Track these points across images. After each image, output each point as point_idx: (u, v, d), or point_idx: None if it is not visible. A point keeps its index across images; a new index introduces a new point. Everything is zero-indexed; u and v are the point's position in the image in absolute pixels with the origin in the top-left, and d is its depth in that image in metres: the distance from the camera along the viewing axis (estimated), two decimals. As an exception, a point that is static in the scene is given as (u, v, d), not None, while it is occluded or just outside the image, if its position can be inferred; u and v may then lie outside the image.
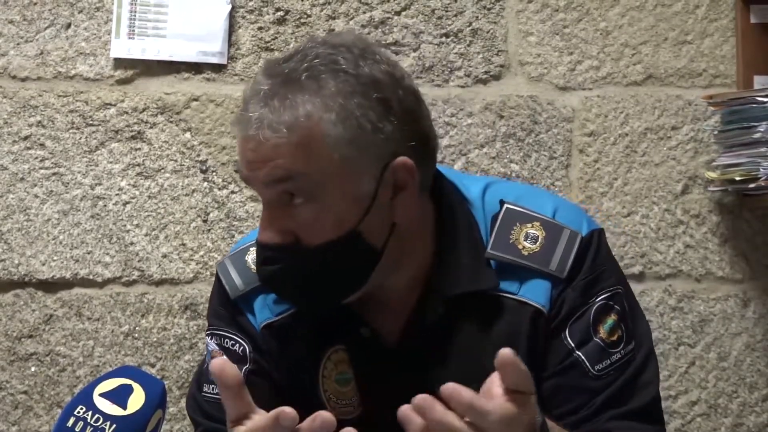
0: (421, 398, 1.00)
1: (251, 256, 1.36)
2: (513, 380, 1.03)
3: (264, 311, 1.35)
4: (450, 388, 0.99)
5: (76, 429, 0.98)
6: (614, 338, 1.29)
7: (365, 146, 1.20)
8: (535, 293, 1.29)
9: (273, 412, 1.01)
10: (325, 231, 1.21)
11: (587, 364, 1.28)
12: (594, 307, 1.29)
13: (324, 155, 1.19)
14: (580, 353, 1.28)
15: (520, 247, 1.30)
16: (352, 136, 1.19)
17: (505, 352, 1.02)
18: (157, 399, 1.03)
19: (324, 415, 1.01)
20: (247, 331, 1.36)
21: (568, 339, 1.29)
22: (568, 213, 1.35)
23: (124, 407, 1.00)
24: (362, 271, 1.25)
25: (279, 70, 1.22)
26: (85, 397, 1.00)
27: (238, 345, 1.35)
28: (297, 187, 1.20)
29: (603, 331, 1.29)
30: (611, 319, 1.30)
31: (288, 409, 1.01)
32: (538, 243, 1.30)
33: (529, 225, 1.31)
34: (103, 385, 1.02)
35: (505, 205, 1.33)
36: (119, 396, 1.01)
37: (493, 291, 1.29)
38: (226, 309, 1.38)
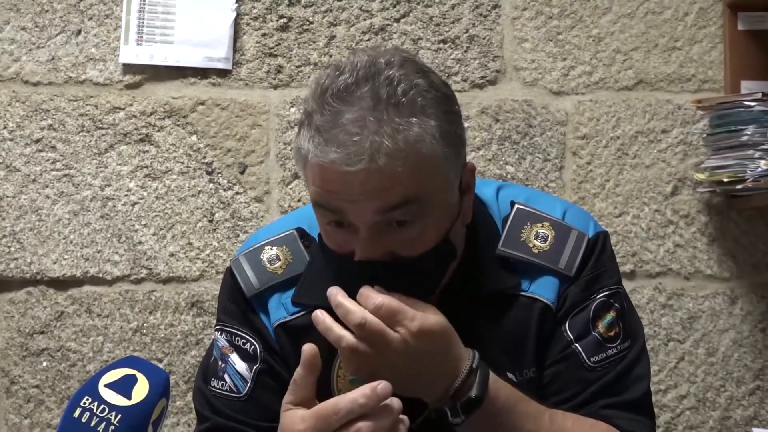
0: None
1: (266, 255, 1.37)
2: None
3: (279, 310, 1.34)
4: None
5: (83, 419, 0.97)
6: (611, 334, 1.32)
7: (455, 158, 1.22)
8: (544, 290, 1.32)
9: (371, 384, 1.06)
10: (426, 245, 1.20)
11: (584, 355, 1.30)
12: (594, 303, 1.32)
13: (433, 175, 1.18)
14: (578, 345, 1.30)
15: (530, 245, 1.32)
16: (449, 151, 1.20)
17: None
18: (160, 388, 1.02)
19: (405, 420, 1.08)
20: (259, 330, 1.35)
21: (568, 331, 1.31)
22: (576, 215, 1.37)
23: (129, 397, 1.00)
24: (444, 271, 1.27)
25: (362, 95, 1.16)
26: (91, 389, 1.00)
27: (249, 344, 1.35)
28: (409, 211, 1.17)
29: (601, 326, 1.31)
30: (610, 315, 1.32)
31: (386, 382, 1.06)
32: (547, 242, 1.33)
33: (539, 225, 1.34)
34: (107, 376, 1.01)
35: (516, 206, 1.35)
36: (123, 386, 1.00)
37: (510, 290, 1.31)
38: (238, 307, 1.37)
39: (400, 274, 1.20)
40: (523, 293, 1.31)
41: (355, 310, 1.14)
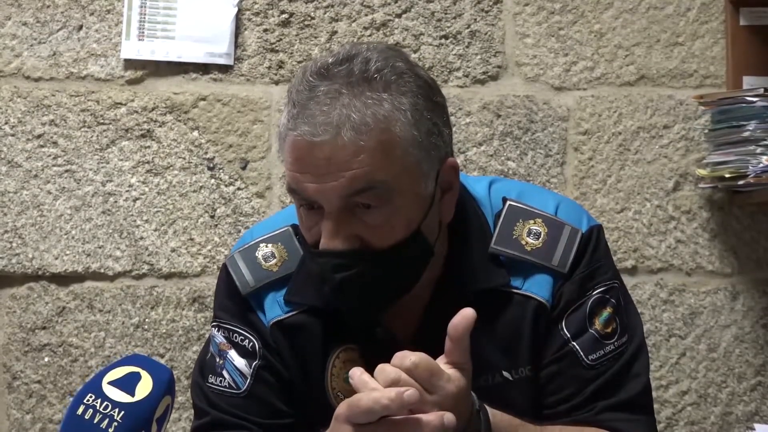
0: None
1: (261, 252, 1.36)
2: (460, 353, 1.09)
3: (274, 308, 1.34)
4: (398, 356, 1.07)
5: (86, 416, 0.97)
6: (608, 330, 1.31)
7: (430, 148, 1.21)
8: (538, 287, 1.30)
9: (401, 388, 1.03)
10: (395, 233, 1.19)
11: (581, 354, 1.30)
12: (590, 300, 1.31)
13: (400, 158, 1.17)
14: (575, 344, 1.30)
15: (523, 242, 1.31)
16: (422, 138, 1.19)
17: (464, 318, 1.08)
18: (164, 386, 1.02)
19: (450, 417, 1.05)
20: (256, 327, 1.34)
21: (565, 330, 1.30)
22: (568, 210, 1.36)
23: (132, 394, 1.00)
24: (420, 269, 1.25)
25: (339, 71, 1.17)
26: (95, 386, 1.00)
27: (247, 341, 1.35)
28: (374, 195, 1.17)
29: (598, 323, 1.31)
30: (606, 312, 1.31)
31: (413, 391, 1.03)
32: (540, 239, 1.31)
33: (532, 221, 1.32)
34: (111, 374, 1.01)
35: (508, 202, 1.34)
36: (127, 383, 1.00)
37: (502, 287, 1.30)
38: (235, 304, 1.36)
39: (370, 267, 1.19)
40: (516, 291, 1.30)
41: (390, 371, 1.07)
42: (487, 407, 1.18)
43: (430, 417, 1.05)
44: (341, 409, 1.08)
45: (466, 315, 1.09)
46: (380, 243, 1.19)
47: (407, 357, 1.07)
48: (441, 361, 1.10)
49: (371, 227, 1.19)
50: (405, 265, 1.23)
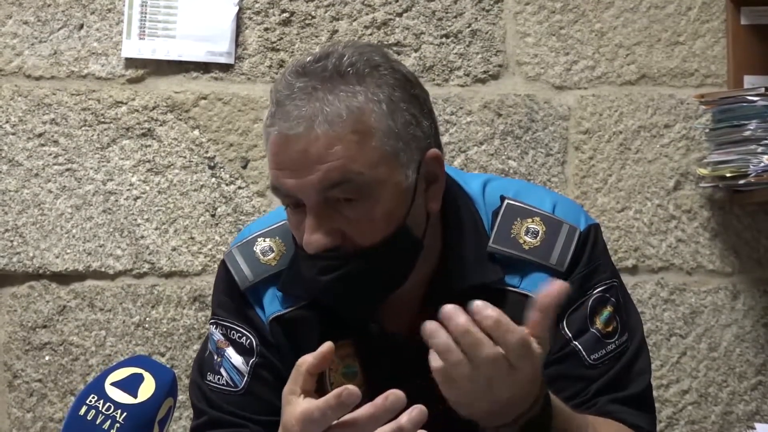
0: (449, 307, 1.00)
1: (259, 247, 1.36)
2: (544, 327, 1.04)
3: (273, 304, 1.34)
4: (480, 304, 1.00)
5: (88, 417, 0.98)
6: (609, 329, 1.31)
7: (409, 139, 1.21)
8: (536, 286, 1.29)
9: (336, 390, 1.00)
10: (377, 228, 1.20)
11: (584, 353, 1.30)
12: (591, 299, 1.31)
13: (376, 148, 1.18)
14: (577, 343, 1.30)
15: (521, 241, 1.31)
16: (399, 129, 1.20)
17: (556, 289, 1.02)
18: (167, 387, 1.03)
19: (396, 393, 1.00)
20: (254, 323, 1.35)
21: (566, 329, 1.30)
22: (566, 208, 1.37)
23: (135, 395, 1.00)
24: (409, 264, 1.25)
25: (314, 68, 1.19)
26: (97, 386, 1.01)
27: (245, 338, 1.35)
28: (351, 188, 1.17)
29: (599, 322, 1.31)
30: (607, 310, 1.32)
31: (352, 387, 1.00)
32: (538, 237, 1.32)
33: (530, 220, 1.33)
34: (114, 375, 1.02)
35: (506, 201, 1.34)
36: (130, 385, 1.01)
37: (496, 284, 1.30)
38: (233, 300, 1.36)
39: (357, 266, 1.19)
40: (513, 289, 1.30)
41: (461, 321, 1.01)
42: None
43: (323, 400, 1.02)
44: (295, 426, 1.05)
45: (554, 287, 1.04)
46: (363, 237, 1.20)
47: (484, 309, 1.01)
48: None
49: (353, 221, 1.19)
50: (393, 260, 1.23)
